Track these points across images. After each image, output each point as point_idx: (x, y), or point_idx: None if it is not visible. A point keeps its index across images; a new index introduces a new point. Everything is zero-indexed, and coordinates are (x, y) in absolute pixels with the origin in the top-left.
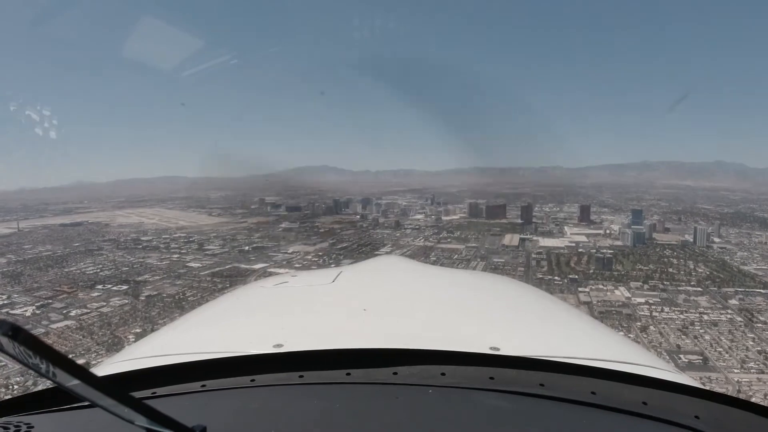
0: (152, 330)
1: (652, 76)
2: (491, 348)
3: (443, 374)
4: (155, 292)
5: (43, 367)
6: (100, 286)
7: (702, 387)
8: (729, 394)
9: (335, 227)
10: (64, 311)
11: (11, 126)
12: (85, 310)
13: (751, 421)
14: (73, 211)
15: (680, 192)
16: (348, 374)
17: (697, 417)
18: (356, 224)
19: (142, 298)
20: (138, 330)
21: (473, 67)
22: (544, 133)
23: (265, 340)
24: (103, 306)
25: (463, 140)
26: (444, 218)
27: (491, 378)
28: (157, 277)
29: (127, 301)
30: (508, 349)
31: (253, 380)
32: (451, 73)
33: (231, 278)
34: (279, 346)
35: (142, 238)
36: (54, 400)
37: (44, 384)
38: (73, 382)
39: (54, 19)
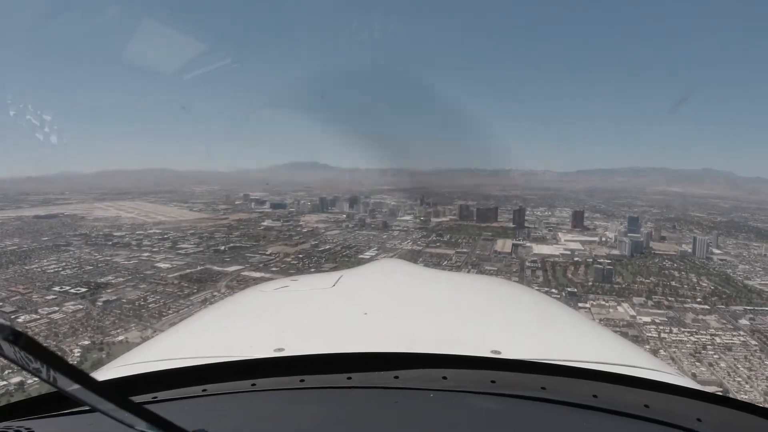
0: (101, 343)
1: (642, 82)
2: (492, 351)
3: (444, 378)
4: (114, 297)
5: (44, 371)
6: (57, 288)
7: (704, 390)
8: (731, 396)
9: (319, 227)
10: (12, 316)
11: None
12: (35, 316)
13: (753, 423)
14: (52, 202)
15: (670, 198)
16: (349, 378)
17: (699, 420)
18: (341, 224)
19: (99, 304)
20: (86, 342)
21: (463, 69)
22: (533, 136)
23: (265, 344)
24: (55, 312)
25: (453, 141)
26: (433, 219)
27: (493, 381)
28: (121, 279)
29: (81, 307)
30: (509, 353)
31: (254, 384)
32: (441, 75)
33: (200, 282)
34: (280, 350)
35: (115, 234)
36: (55, 404)
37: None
38: (73, 387)
39: (53, 13)
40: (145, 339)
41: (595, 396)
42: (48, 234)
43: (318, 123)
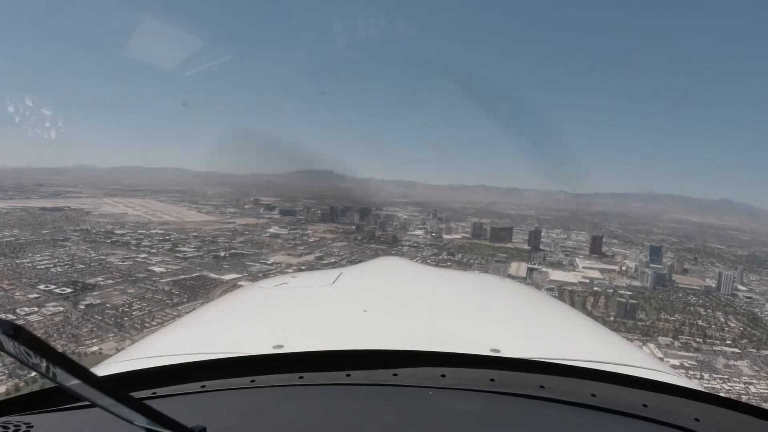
0: (73, 353)
1: (661, 106)
2: (491, 350)
3: (443, 376)
4: (98, 301)
5: (43, 366)
6: (42, 286)
7: (702, 390)
8: (728, 396)
9: (327, 237)
10: None
11: (16, 106)
12: (11, 317)
13: (750, 423)
14: (63, 194)
15: (688, 228)
16: (348, 375)
17: (697, 419)
18: (350, 236)
19: (81, 307)
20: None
21: (476, 78)
22: (548, 156)
23: (265, 340)
24: (33, 312)
25: (469, 156)
26: (445, 236)
27: (491, 380)
28: (111, 281)
29: (62, 309)
30: (508, 351)
31: (253, 381)
32: (452, 84)
33: (193, 290)
34: (279, 346)
35: (116, 231)
36: (54, 399)
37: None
38: (73, 382)
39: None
40: (120, 351)
41: (593, 395)
42: (49, 227)
43: (333, 131)
